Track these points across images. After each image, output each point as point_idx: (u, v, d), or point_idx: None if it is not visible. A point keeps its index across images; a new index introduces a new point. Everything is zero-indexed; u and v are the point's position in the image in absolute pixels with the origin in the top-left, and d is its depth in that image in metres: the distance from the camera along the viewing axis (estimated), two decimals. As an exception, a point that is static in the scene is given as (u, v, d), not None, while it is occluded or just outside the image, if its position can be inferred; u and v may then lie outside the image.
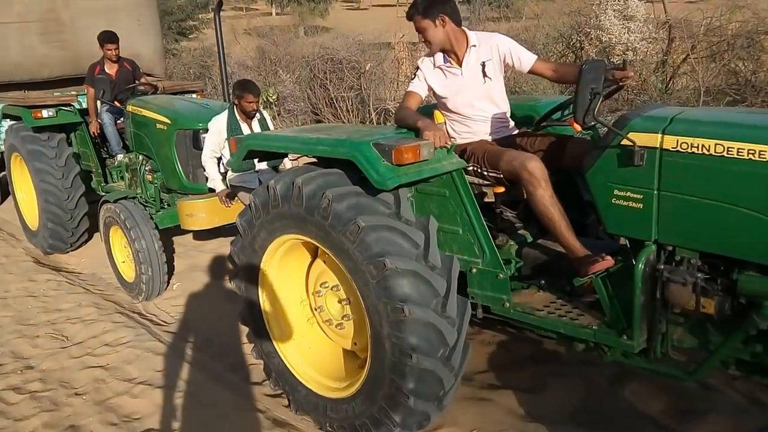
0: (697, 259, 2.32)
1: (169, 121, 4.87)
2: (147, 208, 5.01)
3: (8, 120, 6.21)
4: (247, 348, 3.66)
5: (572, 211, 2.73)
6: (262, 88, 12.48)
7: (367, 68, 11.42)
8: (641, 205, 2.36)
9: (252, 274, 3.16)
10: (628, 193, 2.40)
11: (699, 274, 2.29)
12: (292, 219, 2.78)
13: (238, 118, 4.45)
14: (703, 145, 2.18)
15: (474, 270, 2.81)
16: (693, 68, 7.22)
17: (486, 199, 3.02)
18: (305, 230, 2.74)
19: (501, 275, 2.74)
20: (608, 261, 2.45)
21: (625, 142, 2.34)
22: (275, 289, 3.17)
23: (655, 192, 2.32)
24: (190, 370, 3.69)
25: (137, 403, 3.39)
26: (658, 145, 2.28)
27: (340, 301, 3.00)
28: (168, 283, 5.02)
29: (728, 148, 2.14)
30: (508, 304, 2.77)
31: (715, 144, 2.16)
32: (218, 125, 4.40)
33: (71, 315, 4.60)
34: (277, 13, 50.87)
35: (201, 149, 4.57)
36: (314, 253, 3.11)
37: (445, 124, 3.08)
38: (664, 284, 2.35)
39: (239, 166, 4.23)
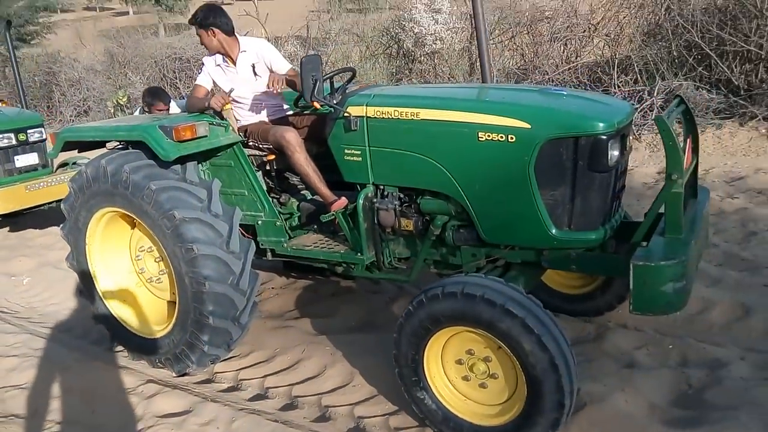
0: (397, 192, 3.28)
1: None
2: None
3: None
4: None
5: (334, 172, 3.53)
6: (112, 91, 12.61)
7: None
8: (360, 159, 3.26)
9: (81, 250, 3.79)
10: (352, 151, 3.27)
11: (397, 203, 3.27)
12: (103, 195, 3.48)
13: None
14: (388, 112, 3.11)
15: (259, 222, 3.68)
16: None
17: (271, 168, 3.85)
18: (114, 202, 3.46)
19: (278, 223, 3.63)
20: (343, 200, 3.38)
21: (345, 114, 3.22)
22: (103, 260, 3.83)
23: (367, 148, 3.22)
24: (30, 339, 4.27)
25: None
26: (364, 115, 3.18)
27: (155, 260, 3.72)
28: None
29: (401, 112, 3.07)
30: (286, 245, 3.65)
31: (393, 110, 3.10)
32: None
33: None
34: (134, 12, 48.88)
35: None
36: (132, 225, 3.79)
37: (231, 109, 3.80)
38: (377, 213, 3.29)
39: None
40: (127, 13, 53.50)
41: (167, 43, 13.49)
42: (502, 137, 2.81)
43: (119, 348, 3.98)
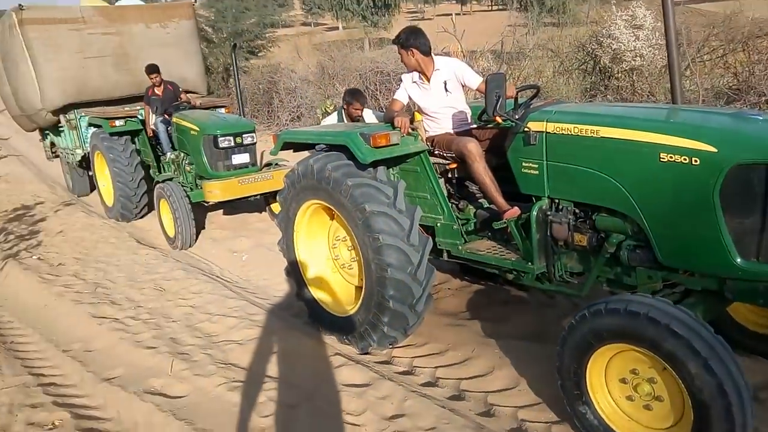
0: (572, 206, 3.41)
1: (198, 129, 6.96)
2: (185, 189, 7.08)
3: (92, 128, 8.61)
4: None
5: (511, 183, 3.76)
6: (321, 100, 14.01)
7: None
8: (537, 172, 3.45)
9: (290, 237, 4.48)
10: (530, 164, 3.48)
11: (571, 217, 3.40)
12: (310, 189, 4.13)
13: (345, 119, 5.51)
14: (567, 128, 3.27)
15: (438, 224, 4.07)
16: (691, 71, 8.03)
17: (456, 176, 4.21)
18: (318, 195, 4.09)
19: (455, 227, 3.97)
20: (516, 210, 3.60)
21: (526, 129, 3.44)
22: (306, 246, 4.49)
23: (544, 162, 3.40)
24: (247, 306, 5.11)
25: (215, 327, 4.81)
26: (544, 130, 3.37)
27: (348, 249, 4.28)
28: (197, 238, 7.17)
29: (581, 129, 3.21)
30: (461, 248, 3.99)
31: (573, 126, 3.24)
32: (329, 123, 5.67)
33: (166, 275, 6.12)
34: (343, 27, 53.06)
35: (221, 149, 6.85)
36: (331, 216, 4.37)
37: (422, 121, 4.25)
38: (550, 225, 3.45)
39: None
40: (337, 28, 58.22)
41: (371, 58, 14.59)
42: (685, 159, 2.79)
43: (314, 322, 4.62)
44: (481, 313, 4.60)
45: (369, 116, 5.65)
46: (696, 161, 2.76)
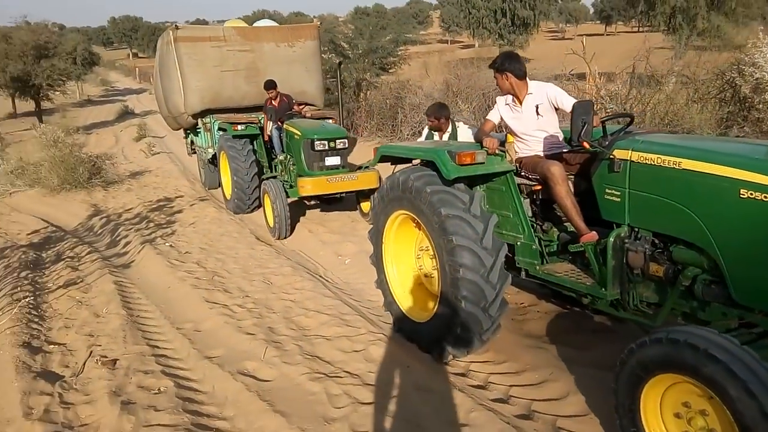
0: (650, 236, 3.40)
1: (300, 133, 8.05)
2: (285, 186, 8.08)
3: (221, 131, 9.72)
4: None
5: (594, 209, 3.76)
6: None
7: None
8: (619, 199, 3.48)
9: (379, 249, 4.74)
10: (613, 191, 3.52)
11: (648, 246, 3.38)
12: (396, 200, 4.37)
13: (434, 136, 6.15)
14: (651, 158, 3.29)
15: (518, 243, 4.14)
16: None
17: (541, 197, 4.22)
18: (403, 205, 4.34)
19: (534, 247, 4.01)
20: (594, 235, 3.62)
21: (611, 156, 3.46)
22: (394, 256, 4.73)
23: (627, 190, 3.43)
24: (340, 305, 5.41)
25: (309, 322, 5.15)
26: (629, 158, 3.40)
27: (430, 258, 4.41)
28: (292, 230, 8.15)
29: (664, 159, 3.22)
30: (538, 268, 4.03)
31: (656, 157, 3.26)
32: (424, 134, 6.36)
33: (276, 271, 6.61)
34: (479, 45, 53.24)
35: (316, 151, 7.87)
36: (417, 227, 4.51)
37: (513, 143, 4.35)
38: (626, 252, 3.45)
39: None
40: (473, 45, 58.51)
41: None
42: (765, 197, 2.74)
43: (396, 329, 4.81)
44: (565, 337, 4.53)
45: (463, 132, 5.92)
46: None
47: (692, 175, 3.08)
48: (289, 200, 8.06)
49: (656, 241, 3.40)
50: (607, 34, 76.33)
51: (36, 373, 4.44)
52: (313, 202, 8.74)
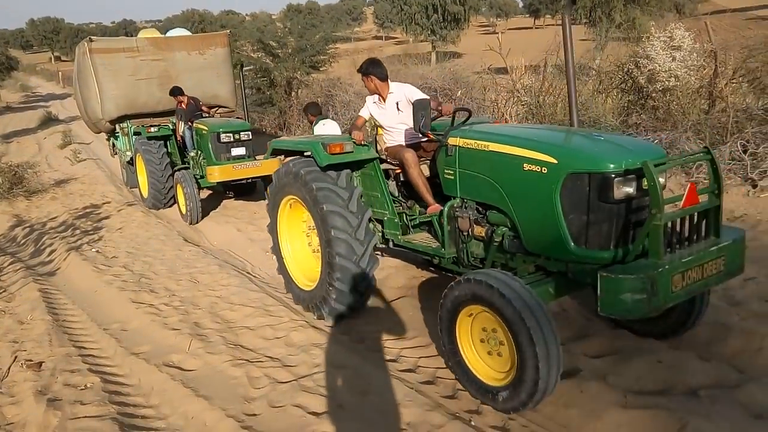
0: (474, 205, 4.23)
1: (207, 128, 9.10)
2: (196, 177, 9.19)
3: (137, 135, 10.52)
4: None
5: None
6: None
7: (457, 95, 13.08)
8: (453, 177, 4.28)
9: (275, 223, 5.43)
10: (448, 171, 4.31)
11: (473, 213, 4.23)
12: (288, 185, 5.03)
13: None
14: (471, 143, 4.09)
15: (385, 218, 4.96)
16: (722, 93, 8.05)
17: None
18: (292, 192, 5.00)
19: (396, 221, 4.86)
20: (436, 207, 4.48)
21: (447, 143, 4.25)
22: (287, 233, 5.43)
23: (457, 169, 4.22)
24: (265, 298, 5.66)
25: (234, 315, 5.38)
26: (458, 144, 4.17)
27: (317, 236, 4.92)
28: (203, 216, 9.19)
29: (478, 144, 4.03)
30: (401, 237, 4.85)
31: (474, 142, 4.06)
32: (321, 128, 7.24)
33: (203, 270, 6.78)
34: (413, 41, 53.91)
35: (222, 143, 8.95)
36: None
37: (383, 135, 5.13)
38: (457, 219, 4.29)
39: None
40: (408, 41, 59.17)
41: (421, 74, 15.04)
42: (538, 168, 3.58)
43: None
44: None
45: (331, 126, 7.22)
46: (544, 170, 3.55)
47: (494, 155, 3.90)
48: (202, 192, 9.39)
49: (479, 209, 4.22)
50: (536, 27, 78.71)
51: (-41, 380, 4.50)
52: (230, 194, 10.03)
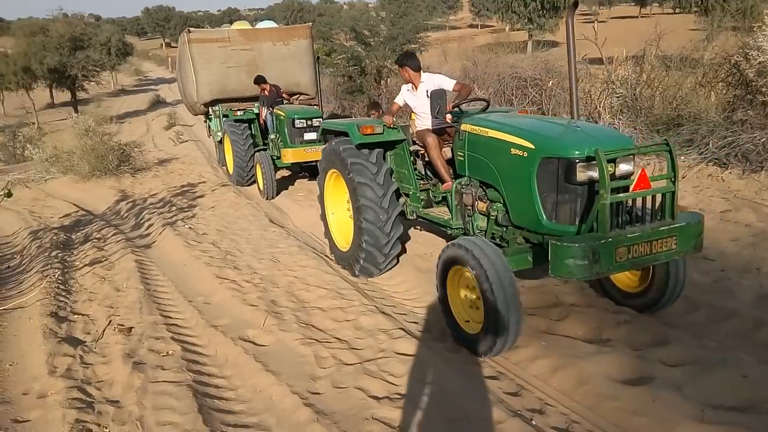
0: (478, 183, 4.85)
1: (284, 114, 9.95)
2: (273, 157, 10.21)
3: (225, 117, 11.64)
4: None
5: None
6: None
7: (549, 85, 12.67)
8: (463, 159, 4.92)
9: (322, 197, 6.47)
10: (460, 153, 4.96)
11: (476, 190, 4.84)
12: (329, 161, 6.04)
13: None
14: (476, 130, 4.72)
15: (409, 193, 5.81)
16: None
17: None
18: (335, 165, 5.92)
19: (419, 195, 5.69)
20: (449, 184, 5.19)
21: (459, 129, 4.91)
22: (331, 202, 6.40)
23: (466, 152, 4.86)
24: (339, 281, 5.80)
25: (309, 295, 5.56)
26: (467, 130, 4.82)
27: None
28: (277, 193, 10.20)
29: (480, 130, 4.67)
30: (421, 210, 5.69)
31: (479, 129, 4.69)
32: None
33: (284, 250, 7.04)
34: (510, 30, 52.63)
35: (296, 128, 9.77)
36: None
37: (414, 120, 5.81)
38: (463, 195, 4.96)
39: None
40: (504, 30, 57.79)
41: (511, 63, 14.70)
42: (521, 152, 4.16)
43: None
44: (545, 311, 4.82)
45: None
46: (525, 154, 4.12)
47: (491, 140, 4.52)
48: (278, 173, 10.48)
49: (482, 187, 4.81)
50: (642, 16, 74.55)
51: (61, 339, 4.95)
52: (303, 174, 11.24)
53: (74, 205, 10.91)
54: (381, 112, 7.74)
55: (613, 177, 3.76)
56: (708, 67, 9.78)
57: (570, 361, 3.90)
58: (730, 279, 5.04)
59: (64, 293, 6.13)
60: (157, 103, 34.83)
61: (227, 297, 5.72)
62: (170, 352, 4.60)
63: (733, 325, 4.27)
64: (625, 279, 4.67)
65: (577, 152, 3.81)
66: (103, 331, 5.16)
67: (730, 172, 7.61)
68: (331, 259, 6.75)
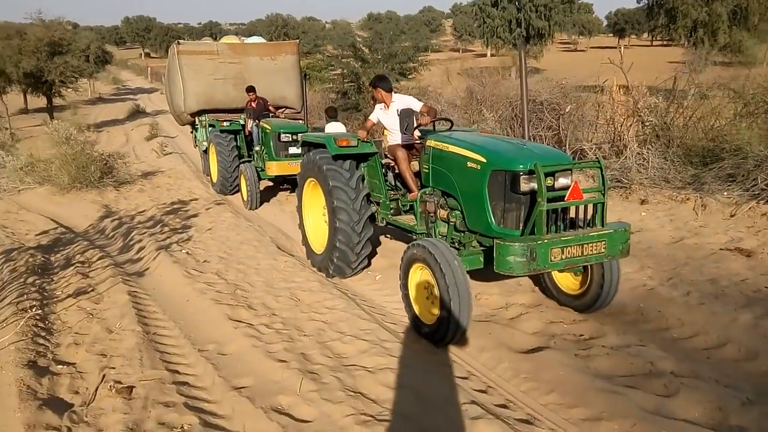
0: (440, 193, 5.40)
1: (270, 128, 10.13)
2: (258, 169, 10.33)
3: (211, 127, 11.72)
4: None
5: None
6: (466, 123, 13.71)
7: (567, 110, 12.02)
8: (428, 171, 5.47)
9: (300, 207, 6.92)
10: (425, 166, 5.51)
11: (438, 199, 5.38)
12: (308, 169, 6.50)
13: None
14: (439, 145, 5.28)
15: (381, 201, 6.19)
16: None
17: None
18: (312, 174, 6.42)
19: (388, 203, 6.11)
20: (415, 194, 5.68)
21: (425, 144, 5.45)
22: (308, 209, 6.87)
23: (430, 165, 5.40)
24: (378, 330, 4.86)
25: (346, 348, 4.61)
26: (432, 145, 5.36)
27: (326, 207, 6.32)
28: (260, 204, 10.29)
29: (442, 145, 5.24)
30: (391, 217, 6.13)
31: (442, 145, 5.24)
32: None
33: (302, 286, 6.08)
34: (492, 55, 52.67)
35: (282, 142, 9.96)
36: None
37: (387, 135, 6.29)
38: (427, 203, 5.46)
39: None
40: (485, 55, 57.94)
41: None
42: (475, 165, 4.76)
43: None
44: (643, 381, 3.99)
45: (336, 127, 9.70)
46: (479, 167, 4.72)
47: (452, 155, 5.10)
48: (262, 183, 10.55)
49: (444, 197, 5.33)
50: (623, 47, 75.83)
51: (42, 401, 3.92)
52: (285, 186, 11.23)
53: (52, 220, 9.80)
54: (334, 117, 9.61)
55: (552, 189, 4.38)
56: (750, 96, 9.17)
57: None
58: None
59: (44, 333, 5.09)
60: (137, 113, 33.50)
61: (246, 346, 4.75)
62: (186, 427, 3.62)
63: None
64: (568, 282, 5.22)
65: (521, 166, 4.42)
66: (96, 389, 4.15)
67: (787, 211, 6.94)
68: (359, 297, 5.85)
